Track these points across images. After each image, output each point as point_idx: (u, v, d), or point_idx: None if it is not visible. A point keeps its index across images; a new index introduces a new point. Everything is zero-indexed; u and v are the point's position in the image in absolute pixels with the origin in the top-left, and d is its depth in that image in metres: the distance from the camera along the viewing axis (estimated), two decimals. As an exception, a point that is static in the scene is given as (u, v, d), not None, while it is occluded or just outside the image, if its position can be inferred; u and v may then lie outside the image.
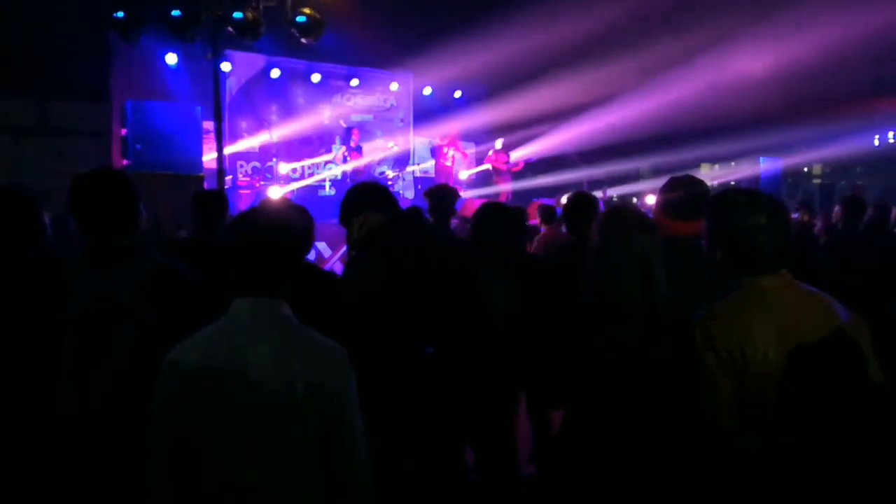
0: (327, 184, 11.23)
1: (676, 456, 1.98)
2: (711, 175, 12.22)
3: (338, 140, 11.92)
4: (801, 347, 1.77)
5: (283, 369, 1.62)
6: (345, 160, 10.86)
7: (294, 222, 1.84)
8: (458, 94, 14.06)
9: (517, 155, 12.00)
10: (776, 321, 1.79)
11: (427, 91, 13.80)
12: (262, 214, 1.82)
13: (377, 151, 12.73)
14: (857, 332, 1.85)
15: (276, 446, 1.63)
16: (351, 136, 11.11)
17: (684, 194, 2.59)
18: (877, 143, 14.46)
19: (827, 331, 1.79)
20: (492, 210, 3.20)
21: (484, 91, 14.26)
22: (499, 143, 11.86)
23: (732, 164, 11.49)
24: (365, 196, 2.86)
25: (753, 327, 1.79)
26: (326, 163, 11.97)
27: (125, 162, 7.94)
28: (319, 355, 1.68)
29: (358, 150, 10.97)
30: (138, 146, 7.68)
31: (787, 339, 1.78)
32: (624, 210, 2.30)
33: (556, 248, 5.15)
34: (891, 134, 14.35)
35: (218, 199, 3.87)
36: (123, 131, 8.03)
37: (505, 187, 11.58)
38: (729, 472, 1.82)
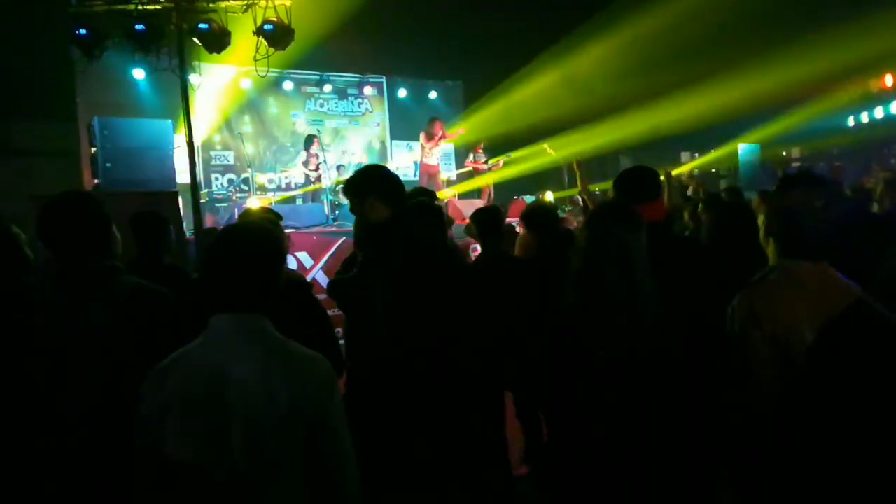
0: (303, 192, 11.07)
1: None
2: (691, 163, 12.24)
3: (303, 151, 11.67)
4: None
5: (266, 386, 1.61)
6: (307, 165, 10.67)
7: (272, 236, 1.80)
8: (433, 95, 13.98)
9: (495, 157, 11.90)
10: (813, 305, 1.82)
11: (402, 93, 13.69)
12: (240, 229, 1.80)
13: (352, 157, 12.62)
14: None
15: (262, 464, 1.61)
16: (312, 143, 10.84)
17: (641, 179, 2.71)
18: (851, 123, 14.62)
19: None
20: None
21: (459, 91, 14.21)
22: (478, 146, 11.78)
23: (712, 151, 11.53)
24: (373, 179, 2.57)
25: (794, 308, 1.83)
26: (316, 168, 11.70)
27: (95, 181, 7.72)
28: (302, 368, 1.67)
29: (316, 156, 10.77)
30: (108, 164, 7.48)
31: (820, 322, 1.80)
32: (611, 206, 2.29)
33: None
34: (864, 115, 14.51)
35: (156, 219, 3.73)
36: (92, 150, 7.80)
37: (486, 187, 11.50)
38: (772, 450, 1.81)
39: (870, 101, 14.27)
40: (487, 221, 3.97)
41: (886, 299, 2.31)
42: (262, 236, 1.75)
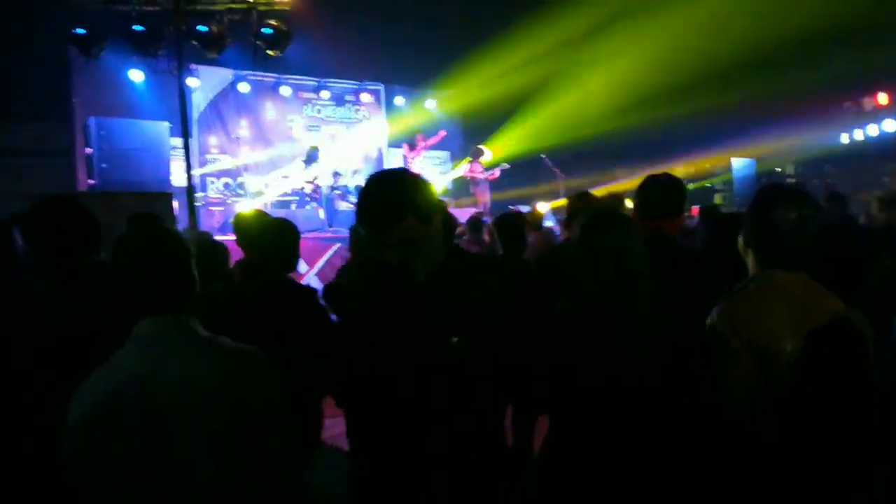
0: (297, 198, 11.05)
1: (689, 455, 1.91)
2: (686, 177, 12.27)
3: (305, 160, 11.67)
4: (814, 336, 1.77)
5: (198, 385, 1.60)
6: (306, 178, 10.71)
7: (178, 235, 1.79)
8: (429, 104, 14.01)
9: (492, 163, 11.93)
10: (793, 314, 1.80)
11: (399, 101, 13.71)
12: (145, 232, 1.79)
13: (349, 163, 12.61)
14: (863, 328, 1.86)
15: (204, 462, 1.60)
16: (315, 159, 10.85)
17: (661, 192, 2.60)
18: (845, 140, 14.71)
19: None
20: None
21: (455, 101, 14.24)
22: (474, 153, 11.80)
23: (707, 166, 11.59)
24: None
25: (773, 318, 1.80)
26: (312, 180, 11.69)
27: (91, 181, 7.69)
28: (235, 363, 1.67)
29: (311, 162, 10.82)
30: (104, 165, 7.46)
31: (802, 332, 1.78)
32: (603, 210, 2.28)
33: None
34: (858, 132, 14.62)
35: (156, 220, 3.75)
36: (88, 150, 7.77)
37: (483, 197, 11.52)
38: (750, 461, 1.78)
39: (864, 118, 14.39)
40: (509, 228, 4.04)
41: (875, 308, 2.31)
42: (169, 237, 1.75)
